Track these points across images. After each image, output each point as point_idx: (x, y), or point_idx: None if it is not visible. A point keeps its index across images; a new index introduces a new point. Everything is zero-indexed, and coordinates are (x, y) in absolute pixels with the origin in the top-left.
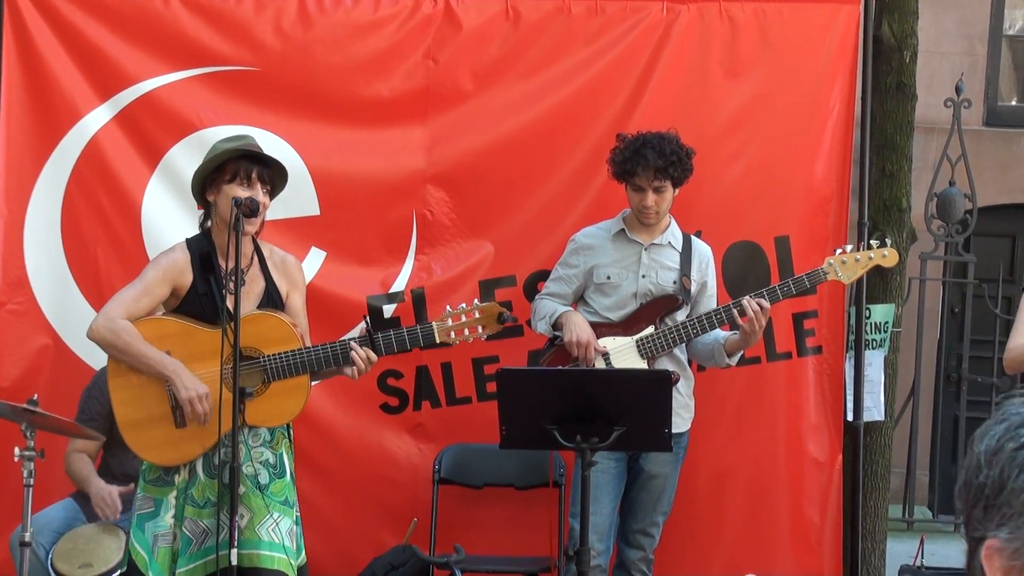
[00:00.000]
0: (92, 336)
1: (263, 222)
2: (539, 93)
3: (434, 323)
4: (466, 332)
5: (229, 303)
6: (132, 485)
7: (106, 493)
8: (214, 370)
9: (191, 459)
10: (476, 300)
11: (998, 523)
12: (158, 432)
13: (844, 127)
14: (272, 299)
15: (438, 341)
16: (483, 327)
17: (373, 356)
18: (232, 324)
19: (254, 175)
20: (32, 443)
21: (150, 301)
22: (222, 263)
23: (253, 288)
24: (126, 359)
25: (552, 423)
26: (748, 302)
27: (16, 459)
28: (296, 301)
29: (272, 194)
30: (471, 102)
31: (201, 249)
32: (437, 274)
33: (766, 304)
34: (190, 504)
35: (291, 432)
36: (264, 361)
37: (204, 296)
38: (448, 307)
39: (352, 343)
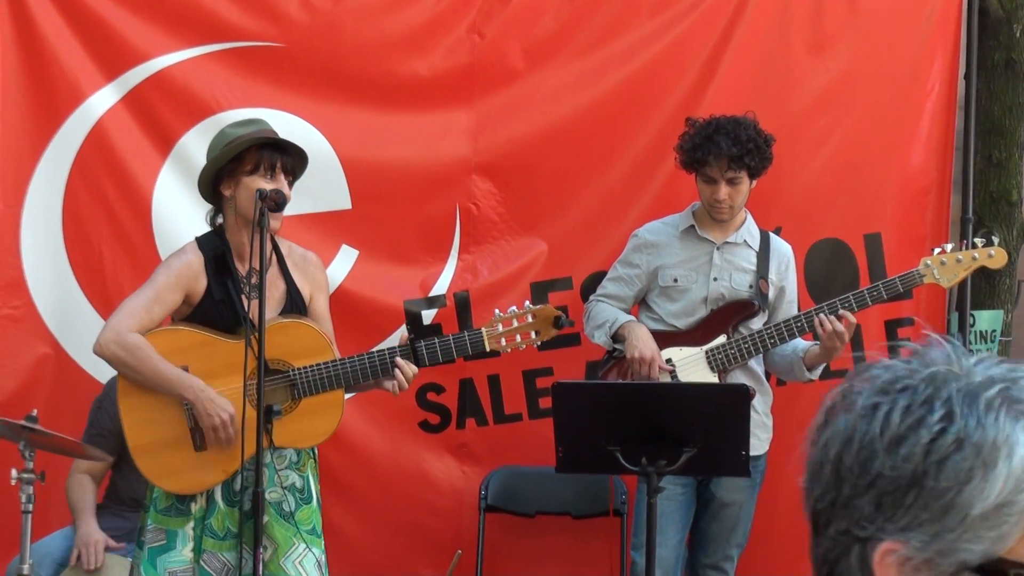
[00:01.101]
0: (101, 352)
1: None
2: (597, 72)
3: (483, 329)
4: (518, 339)
5: (249, 310)
6: (123, 544)
7: (92, 541)
8: (236, 386)
9: (212, 486)
10: (528, 302)
11: (905, 527)
12: (175, 457)
13: (945, 110)
14: (295, 303)
15: (488, 349)
16: (537, 333)
17: (415, 368)
18: (256, 334)
19: (278, 166)
20: (31, 464)
21: (162, 309)
22: (239, 265)
23: (273, 291)
24: (140, 378)
25: (614, 444)
26: (832, 320)
27: (13, 482)
28: (320, 304)
29: (290, 185)
30: (521, 82)
31: (214, 250)
32: (483, 275)
33: (852, 319)
34: (209, 536)
35: (316, 453)
36: (293, 375)
37: (221, 303)
38: (497, 311)
39: (393, 355)
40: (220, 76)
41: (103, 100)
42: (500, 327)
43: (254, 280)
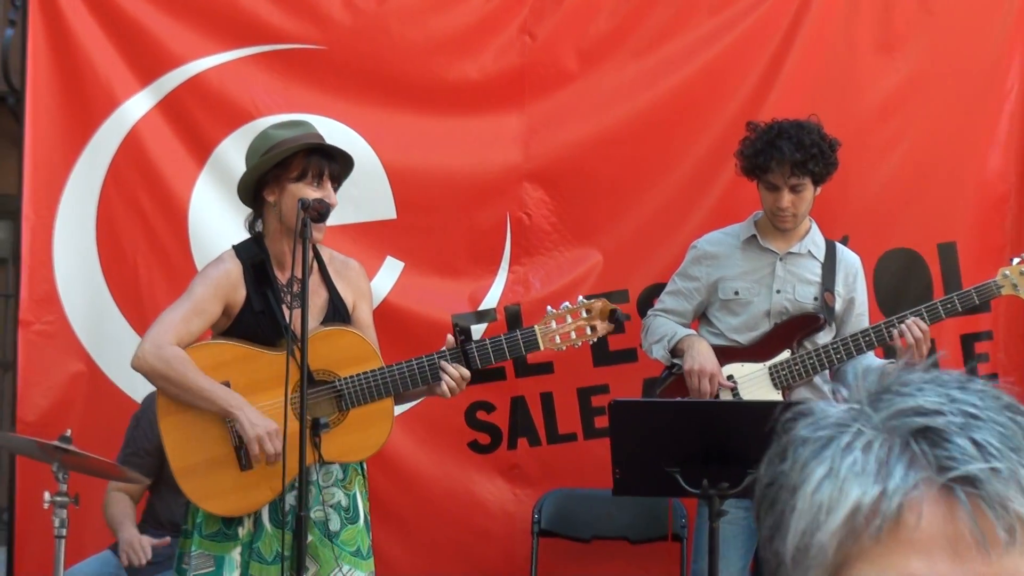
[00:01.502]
0: (139, 367)
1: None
2: (654, 74)
3: (536, 327)
4: (573, 336)
5: (294, 321)
6: (167, 538)
7: (136, 539)
8: (281, 400)
9: (259, 507)
10: (581, 297)
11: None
12: (220, 478)
13: None
14: (338, 312)
15: (542, 348)
16: (593, 328)
17: (466, 372)
18: (298, 345)
19: (326, 173)
20: (65, 487)
21: (202, 322)
22: (279, 273)
23: (315, 300)
24: (181, 393)
25: (673, 465)
26: (909, 324)
27: (46, 506)
28: (364, 313)
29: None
30: (575, 85)
31: (253, 258)
32: (536, 288)
33: (924, 326)
34: (256, 560)
35: (365, 469)
36: (339, 385)
37: (261, 314)
38: (550, 308)
39: (441, 358)
40: (259, 80)
41: (138, 106)
42: (554, 324)
43: (295, 289)
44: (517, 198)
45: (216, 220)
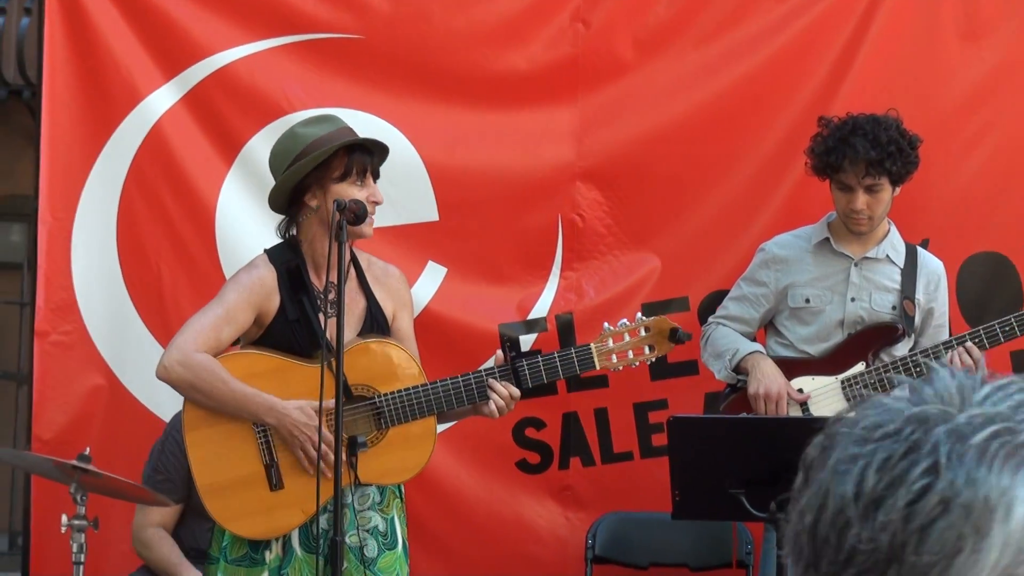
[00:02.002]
0: (165, 376)
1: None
2: (717, 64)
3: (592, 345)
4: (631, 355)
5: (330, 330)
6: None
7: None
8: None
9: (289, 530)
10: (640, 314)
11: None
12: (248, 497)
13: None
14: (376, 322)
15: (598, 367)
16: (651, 348)
17: (515, 391)
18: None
19: (368, 170)
20: (83, 510)
21: (233, 330)
22: (314, 280)
23: (353, 309)
24: (211, 402)
25: (738, 486)
26: (959, 352)
27: (63, 530)
28: (404, 323)
29: None
30: (631, 76)
31: (288, 263)
32: (589, 296)
33: (977, 354)
34: None
35: (403, 491)
36: (379, 401)
37: (297, 323)
38: (607, 325)
39: (489, 375)
40: (291, 72)
41: (161, 100)
42: (611, 342)
43: (331, 297)
44: (569, 198)
45: (245, 223)
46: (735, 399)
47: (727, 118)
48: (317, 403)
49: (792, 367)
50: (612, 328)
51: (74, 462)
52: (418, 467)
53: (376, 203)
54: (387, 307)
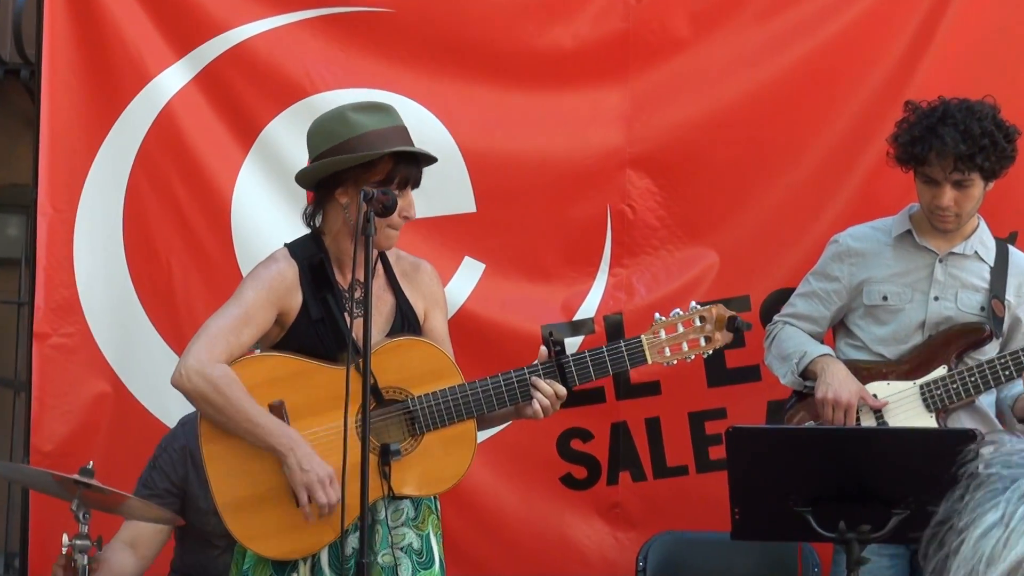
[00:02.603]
0: (181, 385)
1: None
2: (781, 41)
3: (643, 337)
4: (685, 347)
5: (356, 331)
6: None
7: None
8: (341, 422)
9: (317, 549)
10: (694, 303)
11: None
12: (271, 515)
13: None
14: (407, 320)
15: (649, 361)
16: (708, 339)
17: (561, 389)
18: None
19: (410, 182)
20: (86, 528)
21: (253, 332)
22: (338, 277)
23: (381, 307)
24: (225, 421)
25: (804, 504)
26: None
27: (64, 549)
28: (437, 322)
29: None
30: (687, 55)
31: (311, 258)
32: (640, 294)
33: None
34: None
35: (438, 507)
36: (412, 405)
37: (320, 323)
38: (658, 315)
39: (533, 373)
40: (315, 49)
41: (172, 80)
42: (663, 333)
43: (357, 295)
44: (619, 188)
45: (264, 214)
46: (802, 407)
47: (792, 99)
48: (331, 428)
49: (865, 371)
50: (664, 318)
51: (76, 476)
52: (456, 476)
53: (407, 218)
54: (418, 305)
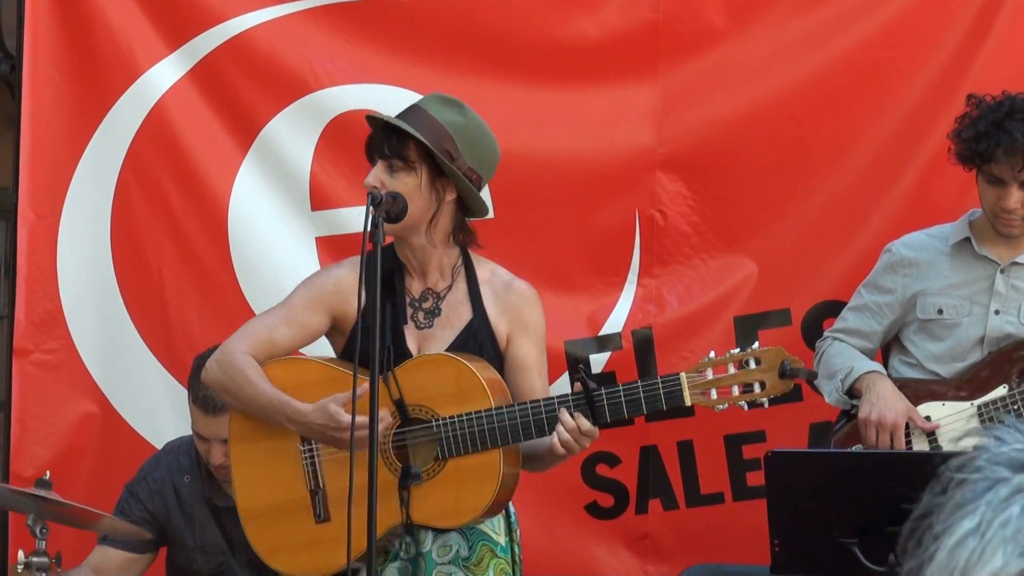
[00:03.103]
0: (205, 379)
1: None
2: (825, 32)
3: (682, 374)
4: (735, 391)
5: (413, 342)
6: None
7: None
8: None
9: (334, 571)
10: (756, 344)
11: None
12: (291, 528)
13: None
14: (477, 341)
15: (687, 402)
16: (763, 385)
17: (586, 424)
18: (393, 372)
19: (376, 154)
20: (43, 544)
21: (292, 333)
22: (415, 284)
23: (452, 320)
24: (238, 405)
25: (850, 535)
26: None
27: (20, 568)
28: (522, 351)
29: None
30: (723, 47)
31: (384, 265)
32: (672, 307)
33: None
34: None
35: (514, 551)
36: (436, 426)
37: (368, 331)
38: (712, 353)
39: (562, 403)
40: (319, 41)
41: (164, 74)
42: (710, 373)
43: (427, 305)
44: (648, 192)
45: (264, 220)
46: (850, 430)
47: (837, 94)
48: (340, 396)
49: (919, 390)
50: (715, 357)
51: (31, 489)
52: (475, 511)
53: (407, 203)
54: (499, 327)
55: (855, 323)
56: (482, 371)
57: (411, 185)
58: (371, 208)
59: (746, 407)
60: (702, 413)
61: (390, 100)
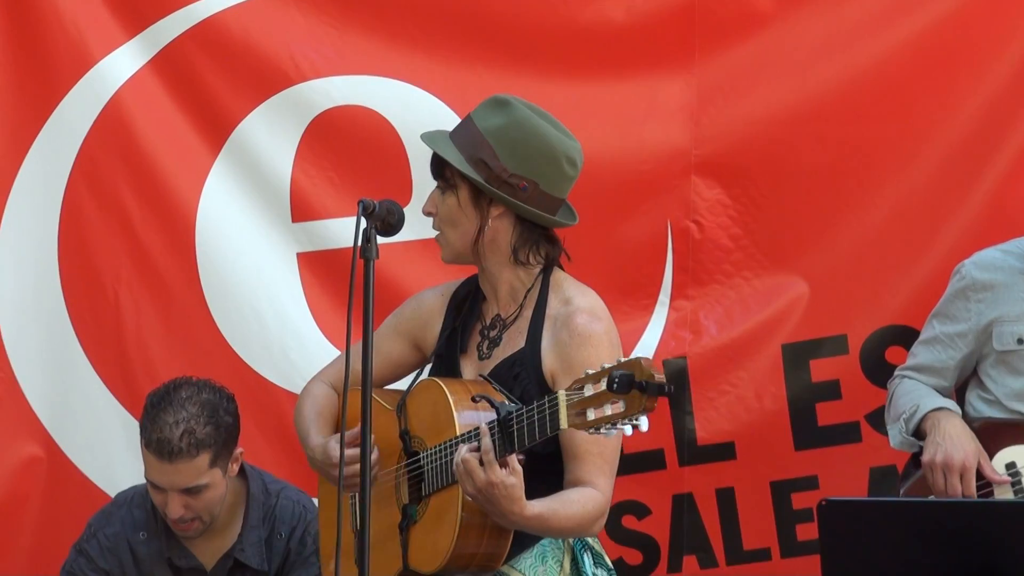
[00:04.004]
0: None
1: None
2: (885, 17)
3: (560, 392)
4: (608, 410)
5: (470, 372)
6: None
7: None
8: (387, 470)
9: None
10: (620, 358)
11: None
12: (344, 570)
13: None
14: (513, 371)
15: (564, 425)
16: (628, 406)
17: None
18: (405, 403)
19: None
20: None
21: (374, 361)
22: (487, 312)
23: (507, 350)
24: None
25: None
26: None
27: None
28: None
29: None
30: (768, 33)
31: (470, 287)
32: (710, 333)
33: None
34: None
35: None
36: (423, 460)
37: (439, 359)
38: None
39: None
40: (301, 27)
41: (121, 64)
42: (589, 389)
43: (493, 333)
44: (682, 199)
45: (237, 232)
46: (921, 478)
47: (898, 89)
48: (352, 431)
49: (998, 431)
50: (593, 372)
51: None
52: (441, 554)
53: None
54: (547, 362)
55: (926, 358)
56: (458, 395)
57: (452, 206)
58: (362, 218)
59: (629, 431)
60: (744, 456)
61: (383, 95)
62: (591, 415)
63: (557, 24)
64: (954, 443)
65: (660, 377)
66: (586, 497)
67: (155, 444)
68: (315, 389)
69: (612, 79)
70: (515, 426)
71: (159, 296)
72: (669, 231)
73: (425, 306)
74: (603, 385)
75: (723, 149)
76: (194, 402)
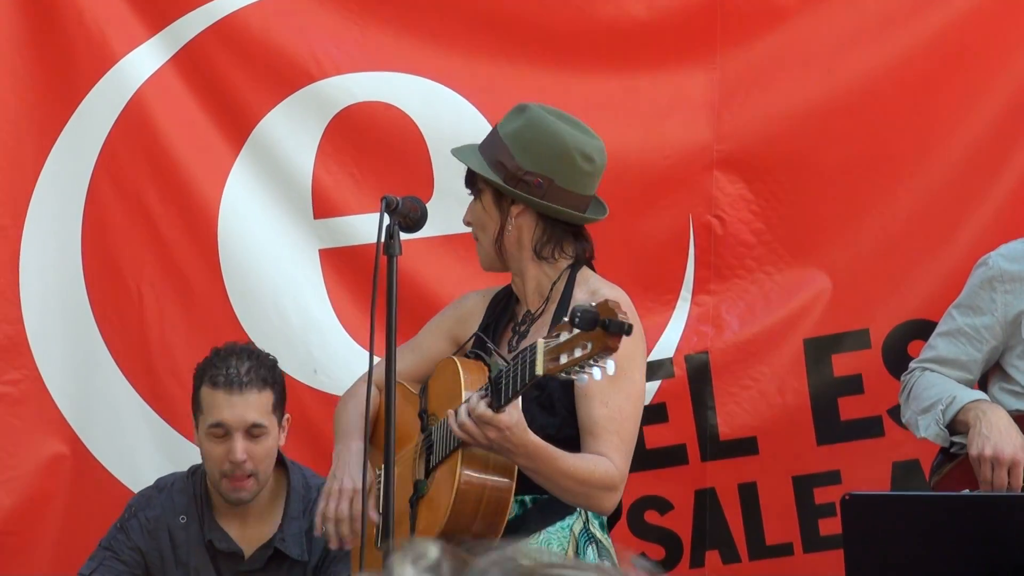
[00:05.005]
0: None
1: None
2: (910, 10)
3: (539, 340)
4: (577, 352)
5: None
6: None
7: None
8: (406, 449)
9: None
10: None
11: None
12: (369, 555)
13: None
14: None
15: (539, 371)
16: (593, 346)
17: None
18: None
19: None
20: None
21: (416, 358)
22: (520, 310)
23: (531, 341)
24: None
25: None
26: None
27: None
28: (591, 387)
29: None
30: (790, 28)
31: (507, 292)
32: (732, 328)
33: None
34: None
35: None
36: (433, 432)
37: (471, 357)
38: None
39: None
40: (321, 24)
41: (143, 62)
42: (563, 335)
43: (523, 328)
44: (704, 194)
45: (259, 229)
46: (954, 471)
47: (922, 85)
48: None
49: None
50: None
51: None
52: (435, 527)
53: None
54: None
55: (948, 351)
56: (469, 369)
57: (479, 211)
58: (385, 215)
59: (597, 374)
60: (767, 451)
61: (404, 91)
62: (563, 359)
63: (578, 20)
64: (1003, 436)
65: (624, 317)
66: (598, 461)
67: (224, 379)
68: (356, 388)
69: (634, 75)
70: (503, 382)
71: (182, 292)
72: (691, 226)
73: (466, 306)
74: (575, 328)
75: (745, 144)
76: (254, 355)
